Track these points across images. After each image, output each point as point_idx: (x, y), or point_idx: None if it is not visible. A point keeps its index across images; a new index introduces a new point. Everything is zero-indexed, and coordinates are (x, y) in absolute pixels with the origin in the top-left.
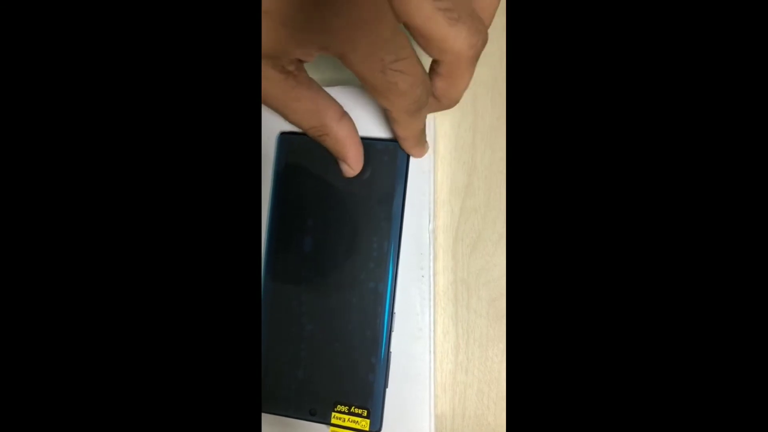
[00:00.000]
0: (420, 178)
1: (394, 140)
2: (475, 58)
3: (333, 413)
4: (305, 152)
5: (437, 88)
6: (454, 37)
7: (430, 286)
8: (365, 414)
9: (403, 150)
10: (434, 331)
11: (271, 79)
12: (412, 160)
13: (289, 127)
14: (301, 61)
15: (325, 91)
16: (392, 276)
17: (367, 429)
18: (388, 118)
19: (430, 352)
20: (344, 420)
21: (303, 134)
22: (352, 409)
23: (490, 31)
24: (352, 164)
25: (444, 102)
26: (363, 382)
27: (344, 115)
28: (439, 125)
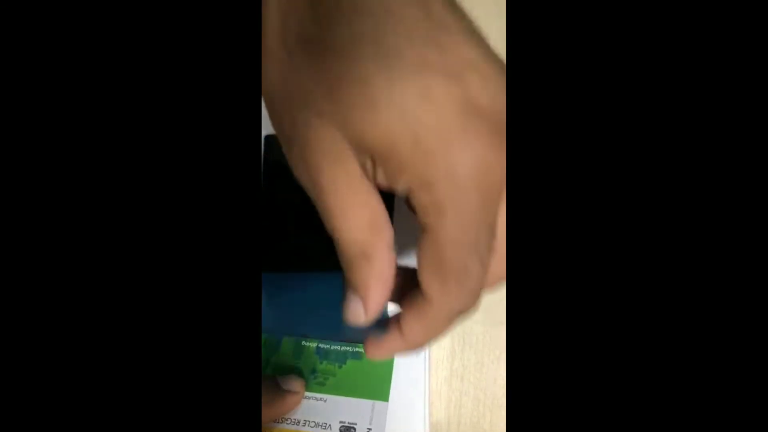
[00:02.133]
0: None
1: None
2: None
3: None
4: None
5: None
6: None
7: None
8: None
9: None
10: None
11: (348, 170)
12: None
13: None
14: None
15: (386, 210)
16: None
17: None
18: (408, 310)
19: (424, 359)
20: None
21: None
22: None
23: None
24: (370, 306)
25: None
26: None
27: (393, 255)
28: None
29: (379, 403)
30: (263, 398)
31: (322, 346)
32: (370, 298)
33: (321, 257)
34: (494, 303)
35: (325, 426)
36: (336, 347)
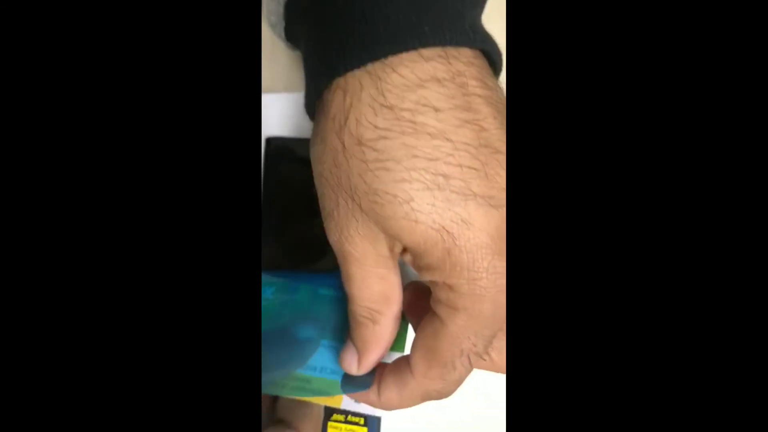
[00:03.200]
0: None
1: None
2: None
3: (329, 423)
4: (292, 157)
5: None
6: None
7: None
8: (362, 422)
9: None
10: None
11: (376, 250)
12: None
13: (275, 133)
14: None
15: (401, 286)
16: None
17: None
18: (390, 378)
19: None
20: (341, 429)
21: (290, 139)
22: (349, 418)
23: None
24: (363, 363)
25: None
26: None
27: (399, 318)
28: None
29: (395, 354)
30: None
31: (337, 294)
32: (365, 355)
33: (317, 254)
34: None
35: (341, 373)
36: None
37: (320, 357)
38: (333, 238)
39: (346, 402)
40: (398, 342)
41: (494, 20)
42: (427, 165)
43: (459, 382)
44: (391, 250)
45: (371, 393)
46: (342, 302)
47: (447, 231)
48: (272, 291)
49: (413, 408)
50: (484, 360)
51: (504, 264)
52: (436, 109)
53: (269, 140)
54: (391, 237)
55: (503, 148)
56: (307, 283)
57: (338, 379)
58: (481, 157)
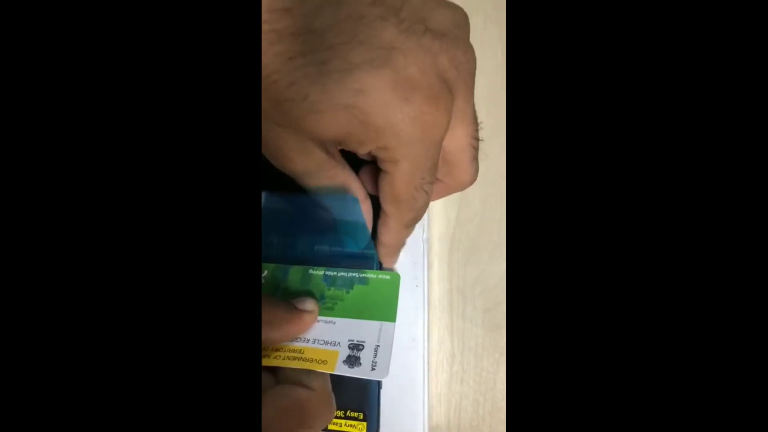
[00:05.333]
0: None
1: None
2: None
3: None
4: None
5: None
6: (472, 171)
7: (424, 296)
8: (361, 417)
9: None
10: (429, 340)
11: (315, 158)
12: None
13: None
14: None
15: (353, 172)
16: None
17: None
18: (380, 224)
19: (423, 362)
20: (341, 425)
21: None
22: (348, 413)
23: (486, 39)
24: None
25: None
26: (357, 386)
27: (367, 197)
28: None
29: (386, 324)
30: (280, 317)
31: (329, 273)
32: (353, 187)
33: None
34: (494, 306)
35: (334, 343)
36: (343, 274)
37: (313, 330)
38: (281, 165)
39: (340, 368)
40: (389, 312)
41: (489, 29)
42: (303, 62)
43: (424, 209)
44: (327, 150)
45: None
46: (333, 275)
47: (351, 105)
48: (263, 275)
49: (412, 407)
50: (439, 183)
51: (419, 106)
52: (286, 9)
53: None
54: (316, 138)
55: (368, 12)
56: (294, 258)
57: (332, 349)
58: (347, 30)
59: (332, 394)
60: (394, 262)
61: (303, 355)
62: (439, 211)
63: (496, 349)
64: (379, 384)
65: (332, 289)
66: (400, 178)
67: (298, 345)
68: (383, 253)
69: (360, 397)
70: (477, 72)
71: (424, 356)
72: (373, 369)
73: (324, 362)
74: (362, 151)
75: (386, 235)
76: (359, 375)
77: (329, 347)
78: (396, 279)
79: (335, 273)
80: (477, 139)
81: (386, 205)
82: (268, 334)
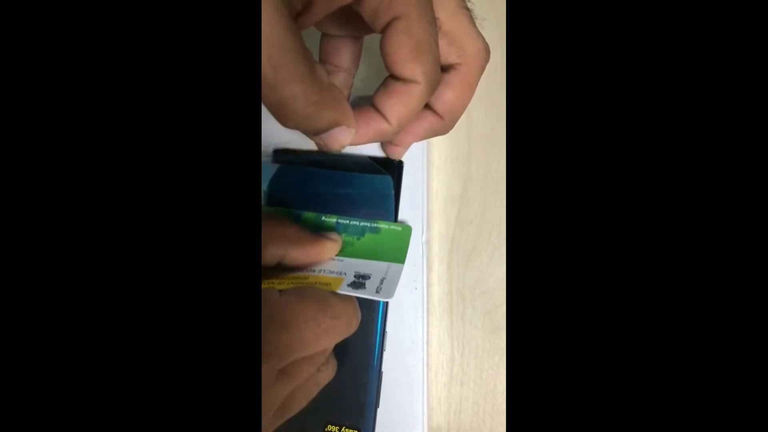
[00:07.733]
0: (413, 188)
1: (384, 174)
2: (483, 69)
3: None
4: (298, 170)
5: (445, 102)
6: (475, 37)
7: (423, 298)
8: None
9: (390, 178)
10: (429, 342)
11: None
12: (406, 171)
13: (282, 141)
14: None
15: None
16: None
17: None
18: (392, 98)
19: (423, 364)
20: None
21: (295, 151)
22: (343, 430)
23: (486, 40)
24: (350, 124)
25: (446, 119)
26: (354, 402)
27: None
28: None
29: (394, 264)
30: (305, 238)
31: (341, 221)
32: (348, 118)
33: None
34: (494, 308)
35: (340, 273)
36: (355, 222)
37: (321, 264)
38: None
39: (344, 288)
40: (399, 256)
41: (488, 32)
42: None
43: (438, 68)
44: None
45: (382, 123)
46: (345, 222)
47: None
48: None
49: (412, 409)
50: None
51: None
52: None
53: (276, 151)
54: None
55: None
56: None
57: (337, 276)
58: None
59: (357, 304)
60: (404, 151)
61: (307, 281)
62: (439, 212)
63: (496, 352)
64: (376, 402)
65: (344, 235)
66: (414, 19)
67: (302, 273)
68: (385, 133)
69: (356, 413)
70: None
71: (423, 358)
72: (377, 292)
73: (328, 284)
74: (367, 15)
75: (400, 108)
76: (363, 295)
77: (335, 275)
78: (407, 230)
79: (348, 221)
80: (466, 8)
81: (409, 67)
82: (289, 251)
